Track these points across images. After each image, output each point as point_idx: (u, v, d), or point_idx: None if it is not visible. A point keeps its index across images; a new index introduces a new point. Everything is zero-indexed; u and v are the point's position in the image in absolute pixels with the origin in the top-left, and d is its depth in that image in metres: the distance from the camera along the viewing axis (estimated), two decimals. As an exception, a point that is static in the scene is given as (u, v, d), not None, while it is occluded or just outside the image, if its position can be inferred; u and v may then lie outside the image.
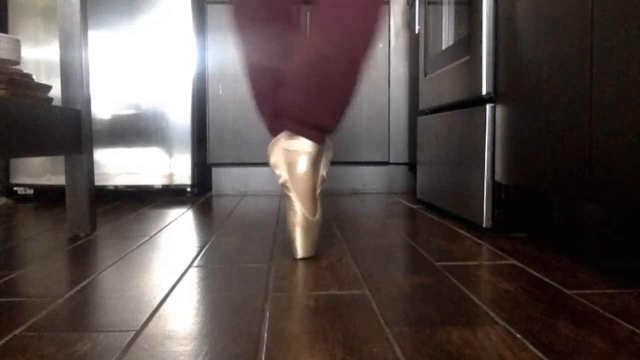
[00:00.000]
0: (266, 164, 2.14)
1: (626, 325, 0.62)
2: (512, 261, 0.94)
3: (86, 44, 1.23)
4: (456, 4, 1.41)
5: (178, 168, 2.02)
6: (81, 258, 1.00)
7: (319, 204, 0.98)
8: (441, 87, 1.53)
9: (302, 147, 0.94)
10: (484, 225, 1.20)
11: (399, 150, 2.18)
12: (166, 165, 2.02)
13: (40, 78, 1.99)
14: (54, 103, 1.85)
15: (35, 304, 0.72)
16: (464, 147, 1.34)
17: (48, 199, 2.07)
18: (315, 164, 0.96)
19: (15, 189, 2.06)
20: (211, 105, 2.12)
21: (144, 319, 0.65)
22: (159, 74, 2.00)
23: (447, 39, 1.49)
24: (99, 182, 1.98)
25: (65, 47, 1.21)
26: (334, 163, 2.18)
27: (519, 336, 0.58)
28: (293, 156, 0.94)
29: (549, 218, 1.16)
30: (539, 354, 0.54)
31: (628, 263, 0.88)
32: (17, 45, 1.18)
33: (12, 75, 1.09)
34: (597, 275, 0.84)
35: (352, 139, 2.16)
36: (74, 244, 1.13)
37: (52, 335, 0.60)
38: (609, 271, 0.86)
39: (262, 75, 1.03)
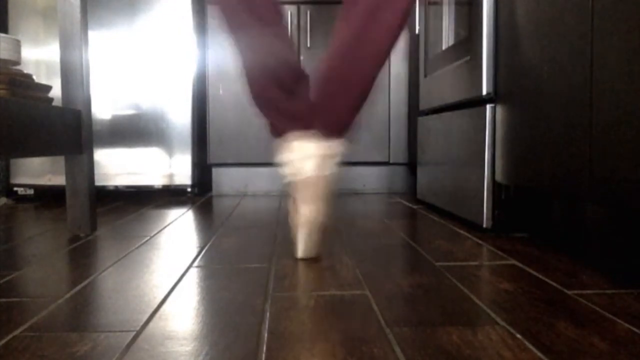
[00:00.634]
0: (266, 164, 2.14)
1: (626, 325, 0.62)
2: (512, 261, 0.94)
3: (86, 44, 1.23)
4: (456, 4, 1.41)
5: (178, 168, 2.02)
6: (81, 258, 1.00)
7: (323, 204, 0.98)
8: (441, 87, 1.53)
9: (320, 149, 0.94)
10: (484, 226, 1.20)
11: (398, 150, 2.18)
12: (166, 165, 2.02)
13: (40, 78, 1.99)
14: (54, 103, 1.85)
15: (35, 304, 0.72)
16: (464, 147, 1.34)
17: (48, 199, 2.07)
18: (325, 164, 0.96)
19: (15, 189, 2.06)
20: (211, 105, 2.12)
21: (144, 319, 0.65)
22: (159, 74, 2.00)
23: (447, 39, 1.49)
24: (99, 182, 1.98)
25: (65, 47, 1.21)
26: (334, 163, 2.17)
27: (519, 336, 0.58)
28: (307, 156, 0.94)
29: (549, 218, 1.16)
30: (539, 354, 0.54)
31: (628, 263, 0.88)
32: (17, 45, 1.18)
33: (12, 75, 1.09)
34: (597, 275, 0.84)
35: (352, 139, 2.16)
36: (74, 244, 1.13)
37: (52, 335, 0.60)
38: (609, 271, 0.86)
39: (261, 75, 1.03)
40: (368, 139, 2.16)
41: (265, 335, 0.60)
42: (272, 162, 2.13)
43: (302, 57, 2.10)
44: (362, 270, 0.89)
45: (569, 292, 0.75)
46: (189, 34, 2.00)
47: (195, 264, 0.95)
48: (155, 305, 0.71)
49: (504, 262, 0.94)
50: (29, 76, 1.18)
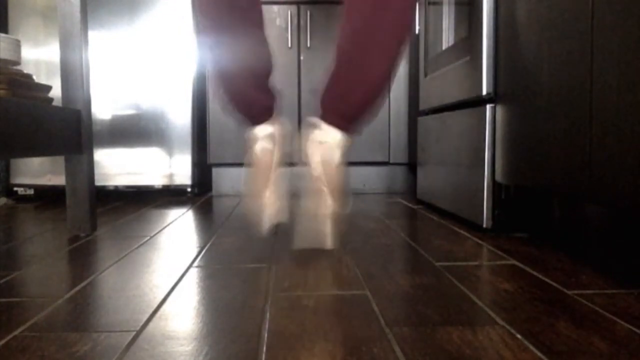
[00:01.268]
0: (266, 164, 2.14)
1: (626, 325, 0.62)
2: (512, 261, 0.94)
3: (86, 44, 1.23)
4: (456, 4, 1.41)
5: (178, 168, 2.02)
6: (81, 258, 1.00)
7: (328, 196, 0.98)
8: (441, 87, 1.53)
9: (327, 136, 0.97)
10: (484, 225, 1.20)
11: (398, 150, 2.18)
12: (166, 165, 2.02)
13: (40, 78, 1.99)
14: (54, 103, 1.85)
15: (35, 304, 0.72)
16: (464, 147, 1.34)
17: (48, 199, 2.07)
18: (336, 157, 0.98)
19: (15, 189, 2.06)
20: (211, 105, 2.11)
21: (144, 319, 0.65)
22: (158, 74, 2.00)
23: (447, 39, 1.49)
24: (99, 182, 1.98)
25: (65, 47, 1.21)
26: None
27: (519, 336, 0.58)
28: (325, 149, 0.97)
29: (549, 218, 1.16)
30: (539, 354, 0.54)
31: (628, 263, 0.88)
32: (17, 45, 1.18)
33: (12, 75, 1.09)
34: (597, 275, 0.84)
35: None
36: (74, 244, 1.13)
37: (52, 335, 0.60)
38: (609, 271, 0.86)
39: (235, 74, 1.05)
40: (368, 138, 2.16)
41: (265, 335, 0.60)
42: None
43: (302, 57, 2.10)
44: (362, 270, 0.89)
45: (569, 292, 0.75)
46: (189, 34, 2.00)
47: (195, 264, 0.95)
48: (155, 305, 0.71)
49: (504, 262, 0.94)
50: (29, 76, 1.18)
